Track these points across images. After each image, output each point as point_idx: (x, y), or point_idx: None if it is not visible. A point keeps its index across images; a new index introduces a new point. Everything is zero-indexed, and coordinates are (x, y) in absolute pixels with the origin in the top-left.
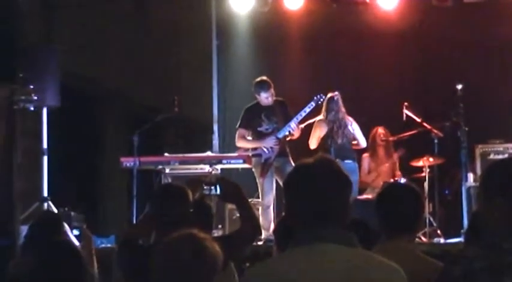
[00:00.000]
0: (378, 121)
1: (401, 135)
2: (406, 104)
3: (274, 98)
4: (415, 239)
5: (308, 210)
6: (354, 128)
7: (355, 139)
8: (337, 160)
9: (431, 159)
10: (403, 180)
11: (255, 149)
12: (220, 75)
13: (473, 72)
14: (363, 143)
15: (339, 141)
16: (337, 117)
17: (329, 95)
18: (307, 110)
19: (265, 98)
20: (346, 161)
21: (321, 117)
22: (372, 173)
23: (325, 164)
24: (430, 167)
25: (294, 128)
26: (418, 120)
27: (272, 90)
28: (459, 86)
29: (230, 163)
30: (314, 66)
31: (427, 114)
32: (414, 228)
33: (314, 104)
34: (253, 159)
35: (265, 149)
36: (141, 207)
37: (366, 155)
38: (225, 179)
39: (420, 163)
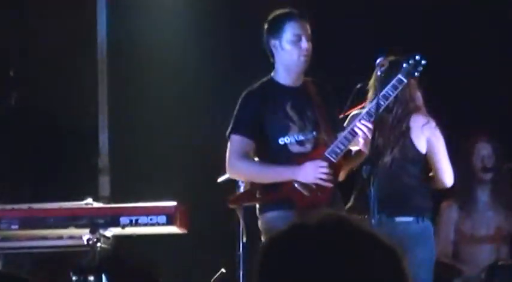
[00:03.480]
0: (477, 127)
1: None
2: None
3: (304, 78)
4: None
5: None
6: (432, 140)
7: (429, 168)
8: (381, 217)
9: None
10: None
11: (273, 187)
12: (113, 32)
13: None
14: (447, 178)
15: (389, 168)
16: (397, 114)
17: (388, 60)
18: (392, 92)
19: (302, 32)
20: (400, 219)
21: (356, 111)
22: (468, 239)
23: (338, 234)
24: None
25: (364, 134)
26: None
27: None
28: None
29: (137, 224)
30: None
31: None
32: None
33: (405, 79)
34: (269, 216)
35: (301, 189)
36: None
37: (448, 204)
38: (122, 261)
39: None
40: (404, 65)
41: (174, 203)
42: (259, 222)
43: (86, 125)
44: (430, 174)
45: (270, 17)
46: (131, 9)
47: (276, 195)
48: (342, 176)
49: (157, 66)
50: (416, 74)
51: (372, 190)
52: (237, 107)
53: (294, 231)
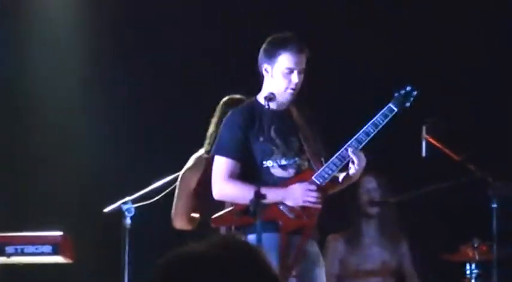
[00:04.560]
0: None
1: (420, 191)
2: (426, 121)
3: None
4: None
5: None
6: None
7: None
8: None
9: (484, 247)
10: None
11: (261, 208)
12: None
13: None
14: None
15: None
16: None
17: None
18: (382, 120)
19: (295, 66)
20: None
21: None
22: (354, 273)
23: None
24: (483, 265)
25: (356, 159)
26: (457, 158)
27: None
28: None
29: (23, 253)
30: None
31: (476, 145)
32: None
33: (395, 108)
34: (252, 239)
35: (287, 212)
36: None
37: (334, 237)
38: None
39: (463, 256)
40: (396, 94)
41: (60, 233)
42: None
43: None
44: None
45: (270, 38)
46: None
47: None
48: (354, 178)
49: (44, 94)
50: (407, 104)
51: (258, 224)
52: (221, 128)
53: (182, 258)
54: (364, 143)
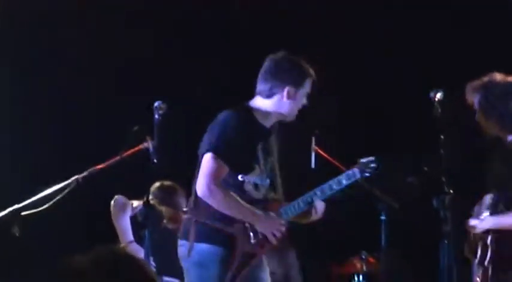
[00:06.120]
0: None
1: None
2: (316, 132)
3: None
4: None
5: None
6: None
7: None
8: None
9: (372, 259)
10: None
11: (224, 218)
12: None
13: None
14: None
15: None
16: None
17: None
18: (345, 180)
19: (304, 98)
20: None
21: None
22: None
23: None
24: (370, 276)
25: (318, 208)
26: (345, 170)
27: None
28: (438, 95)
29: None
30: None
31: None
32: None
33: (358, 175)
34: (204, 249)
35: (251, 233)
36: None
37: None
38: None
39: (352, 267)
40: (361, 161)
41: None
42: (194, 250)
43: None
44: None
45: (295, 62)
46: None
47: (223, 227)
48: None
49: None
50: (366, 174)
51: (147, 233)
52: (232, 129)
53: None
54: (326, 196)
